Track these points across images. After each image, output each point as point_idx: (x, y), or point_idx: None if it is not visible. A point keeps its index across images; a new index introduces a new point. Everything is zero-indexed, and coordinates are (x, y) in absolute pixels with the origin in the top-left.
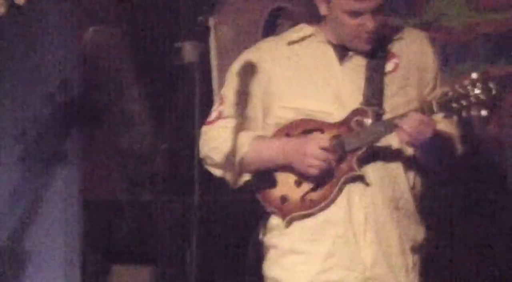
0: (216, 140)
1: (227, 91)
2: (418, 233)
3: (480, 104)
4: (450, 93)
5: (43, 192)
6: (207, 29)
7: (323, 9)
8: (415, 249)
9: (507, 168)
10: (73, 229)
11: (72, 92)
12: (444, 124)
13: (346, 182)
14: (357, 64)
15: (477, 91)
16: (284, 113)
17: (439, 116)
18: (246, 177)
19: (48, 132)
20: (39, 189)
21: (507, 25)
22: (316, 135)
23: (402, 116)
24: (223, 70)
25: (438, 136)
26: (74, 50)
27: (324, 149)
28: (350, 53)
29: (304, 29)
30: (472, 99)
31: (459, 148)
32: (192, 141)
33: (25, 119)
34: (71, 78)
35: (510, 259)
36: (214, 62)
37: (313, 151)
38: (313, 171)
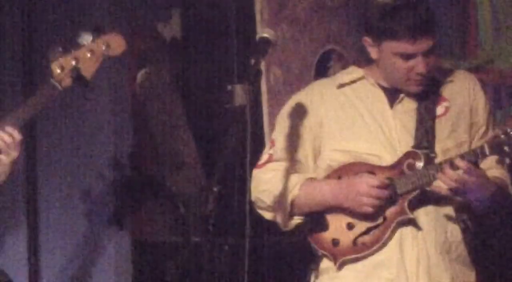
0: (266, 183)
1: (277, 134)
2: (470, 276)
3: None
4: (502, 136)
5: (97, 235)
6: (258, 71)
7: (373, 53)
8: None
9: None
10: (124, 270)
11: (126, 140)
12: (496, 170)
13: (398, 226)
14: (408, 108)
15: None
16: (335, 156)
17: (491, 162)
18: (297, 220)
19: (109, 188)
20: (94, 232)
21: None
22: (366, 174)
23: (451, 161)
24: (274, 113)
25: (487, 184)
26: (125, 93)
27: (376, 186)
28: (401, 96)
29: (355, 71)
30: None
31: None
32: (243, 183)
33: (89, 177)
34: (124, 123)
35: None
36: (265, 104)
37: (365, 189)
38: (367, 209)
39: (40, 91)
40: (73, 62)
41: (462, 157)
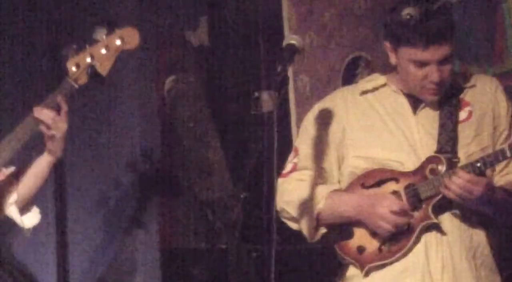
0: (291, 194)
1: (301, 142)
2: (495, 281)
3: None
4: None
5: (124, 240)
6: (285, 78)
7: (392, 58)
8: None
9: None
10: (152, 277)
11: (153, 145)
12: None
13: (423, 231)
14: (431, 113)
15: None
16: (358, 163)
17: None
18: (323, 230)
19: (129, 192)
20: (121, 238)
21: None
22: (390, 195)
23: (453, 170)
24: (301, 120)
25: (493, 193)
26: (153, 100)
27: (396, 211)
28: (423, 103)
29: (377, 78)
30: None
31: None
32: (270, 191)
33: (109, 182)
34: (151, 129)
35: None
36: (293, 111)
37: (383, 214)
38: (381, 232)
39: (57, 91)
40: (89, 59)
41: (464, 167)
